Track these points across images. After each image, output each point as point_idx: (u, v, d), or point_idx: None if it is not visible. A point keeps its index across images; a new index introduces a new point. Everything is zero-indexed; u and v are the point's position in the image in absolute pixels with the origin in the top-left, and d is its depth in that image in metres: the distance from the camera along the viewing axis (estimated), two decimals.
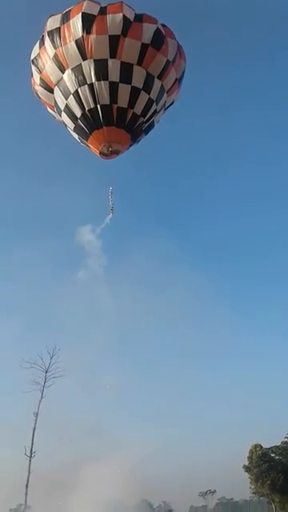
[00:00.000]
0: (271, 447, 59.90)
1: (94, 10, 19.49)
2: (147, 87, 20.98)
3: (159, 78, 21.12)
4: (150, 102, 21.52)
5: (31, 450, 43.34)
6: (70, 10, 19.89)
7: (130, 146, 23.30)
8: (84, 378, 57.11)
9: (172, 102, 23.38)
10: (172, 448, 58.02)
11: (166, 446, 56.77)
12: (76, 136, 22.79)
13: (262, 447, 59.21)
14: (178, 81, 22.32)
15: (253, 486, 58.07)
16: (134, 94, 20.84)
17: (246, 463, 58.34)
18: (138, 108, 21.38)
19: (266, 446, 59.65)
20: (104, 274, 65.35)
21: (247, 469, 57.82)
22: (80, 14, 19.33)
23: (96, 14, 19.40)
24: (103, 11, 19.43)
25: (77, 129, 22.16)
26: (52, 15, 20.39)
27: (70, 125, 22.17)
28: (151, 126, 23.17)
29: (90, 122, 21.58)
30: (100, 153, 22.72)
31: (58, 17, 20.12)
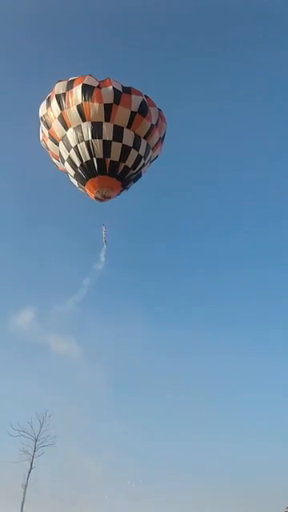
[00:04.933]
0: None
1: (94, 83, 23.90)
2: (136, 146, 25.19)
3: (145, 138, 25.42)
4: (139, 158, 25.74)
5: None
6: (74, 80, 24.18)
7: (121, 191, 27.42)
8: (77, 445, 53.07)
9: (156, 156, 27.62)
10: None
11: None
12: (75, 182, 26.96)
13: None
14: (161, 139, 26.78)
15: None
16: (126, 150, 25.03)
17: None
18: (129, 162, 25.57)
19: None
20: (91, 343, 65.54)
21: None
22: (81, 85, 23.71)
23: (95, 86, 23.79)
24: (99, 85, 23.85)
25: (76, 176, 26.38)
26: (59, 81, 24.69)
27: (71, 172, 26.38)
28: (139, 176, 27.40)
29: (87, 171, 25.77)
30: (95, 197, 26.96)
31: (64, 83, 24.34)
